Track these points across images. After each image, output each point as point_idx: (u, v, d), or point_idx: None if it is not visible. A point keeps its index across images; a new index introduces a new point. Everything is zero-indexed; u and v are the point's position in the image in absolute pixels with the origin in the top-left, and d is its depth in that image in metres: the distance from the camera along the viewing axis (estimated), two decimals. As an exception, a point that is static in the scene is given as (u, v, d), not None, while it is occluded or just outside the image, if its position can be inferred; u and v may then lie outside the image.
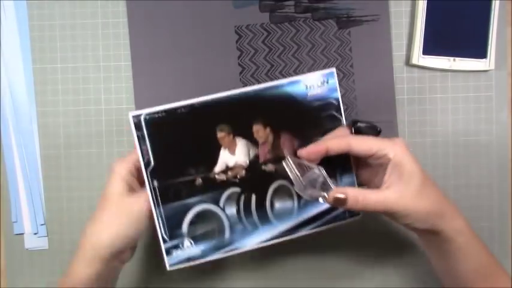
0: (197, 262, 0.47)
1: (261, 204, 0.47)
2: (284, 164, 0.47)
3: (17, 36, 0.57)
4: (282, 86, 0.47)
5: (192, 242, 0.46)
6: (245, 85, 0.56)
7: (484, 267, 0.45)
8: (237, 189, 0.47)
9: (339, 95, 0.48)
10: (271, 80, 0.53)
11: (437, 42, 0.55)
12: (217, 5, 0.56)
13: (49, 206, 0.57)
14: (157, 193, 0.46)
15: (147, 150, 0.45)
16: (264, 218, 0.47)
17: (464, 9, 0.53)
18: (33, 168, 0.57)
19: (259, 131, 0.47)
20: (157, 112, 0.45)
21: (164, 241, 0.46)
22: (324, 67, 0.55)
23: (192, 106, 0.45)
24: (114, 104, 0.57)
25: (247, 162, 0.47)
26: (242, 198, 0.47)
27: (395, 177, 0.43)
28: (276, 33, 0.56)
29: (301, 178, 0.44)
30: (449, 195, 0.54)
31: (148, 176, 0.45)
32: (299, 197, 0.48)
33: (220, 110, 0.46)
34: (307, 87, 0.47)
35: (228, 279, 0.57)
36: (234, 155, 0.47)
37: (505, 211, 0.57)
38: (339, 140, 0.45)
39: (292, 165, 0.46)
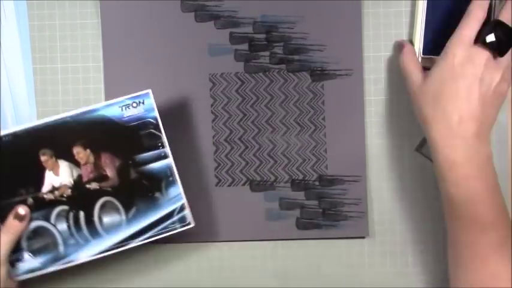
0: (38, 273, 0.51)
1: (89, 220, 0.51)
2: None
3: (17, 36, 0.57)
4: (97, 109, 0.51)
5: (31, 255, 0.51)
6: (217, 133, 0.56)
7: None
8: (65, 207, 0.51)
9: (156, 114, 0.51)
10: (242, 127, 0.56)
11: (437, 42, 0.55)
12: (193, 52, 0.56)
13: (49, 206, 0.57)
14: None
15: None
16: (94, 232, 0.52)
17: (464, 9, 0.53)
18: (33, 168, 0.57)
19: (80, 153, 0.51)
20: None
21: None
22: (296, 119, 0.56)
23: (14, 134, 0.50)
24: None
25: (72, 182, 0.51)
26: (71, 215, 0.51)
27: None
28: (250, 82, 0.56)
29: None
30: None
31: None
32: (126, 210, 0.51)
33: (42, 135, 0.50)
34: (122, 109, 0.51)
35: None
36: (58, 176, 0.51)
37: (505, 211, 0.56)
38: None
39: None
